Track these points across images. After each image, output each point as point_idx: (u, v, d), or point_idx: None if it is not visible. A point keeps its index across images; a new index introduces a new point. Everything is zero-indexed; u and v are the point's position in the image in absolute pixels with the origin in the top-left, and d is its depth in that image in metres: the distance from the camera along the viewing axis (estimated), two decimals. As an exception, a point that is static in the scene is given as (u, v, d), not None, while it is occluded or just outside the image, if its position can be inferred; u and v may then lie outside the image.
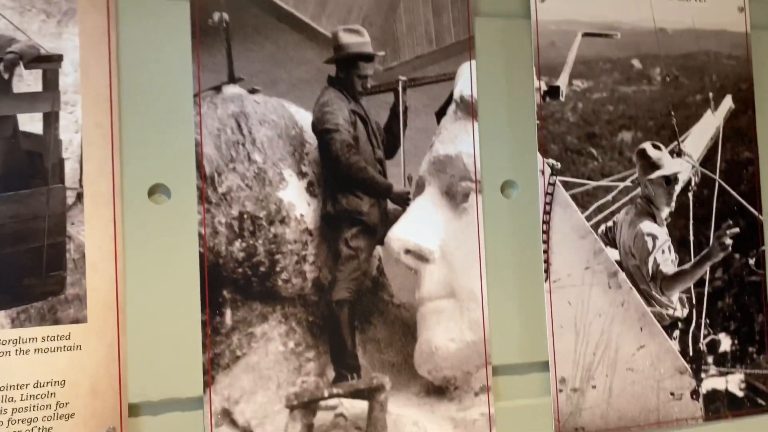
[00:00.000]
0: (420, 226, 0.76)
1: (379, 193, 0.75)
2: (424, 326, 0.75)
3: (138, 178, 0.68)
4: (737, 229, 0.86)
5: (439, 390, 0.75)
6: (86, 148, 0.66)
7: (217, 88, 0.70)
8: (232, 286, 0.70)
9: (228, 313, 0.69)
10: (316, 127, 0.73)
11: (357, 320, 0.73)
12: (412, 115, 0.76)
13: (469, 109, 0.78)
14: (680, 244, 0.85)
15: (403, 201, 0.75)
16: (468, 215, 0.78)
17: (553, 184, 0.81)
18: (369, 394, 0.73)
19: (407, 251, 0.75)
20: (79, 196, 0.66)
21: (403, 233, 0.75)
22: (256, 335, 0.70)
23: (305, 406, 0.70)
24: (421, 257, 0.76)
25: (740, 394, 0.86)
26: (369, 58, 0.75)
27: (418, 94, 0.77)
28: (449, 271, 0.77)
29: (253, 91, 0.71)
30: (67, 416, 0.64)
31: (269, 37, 0.72)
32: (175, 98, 0.70)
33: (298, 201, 0.72)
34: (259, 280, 0.70)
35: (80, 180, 0.66)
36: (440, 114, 0.78)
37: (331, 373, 0.72)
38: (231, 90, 0.71)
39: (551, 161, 0.81)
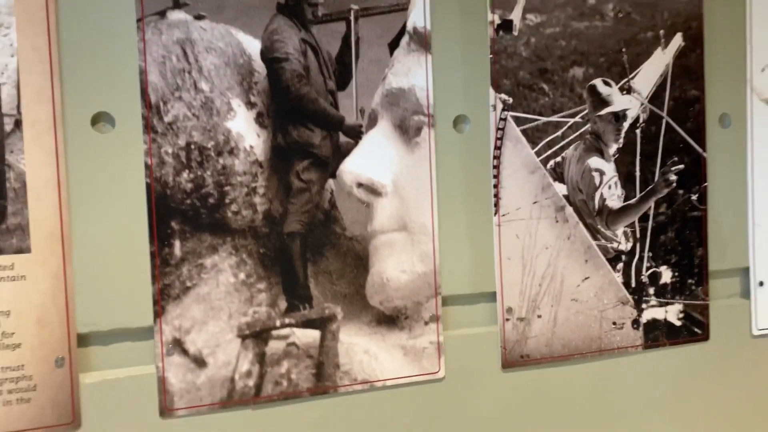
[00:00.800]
0: (372, 159, 0.76)
1: (331, 125, 0.74)
2: (376, 258, 0.77)
3: (80, 106, 0.66)
4: (682, 166, 0.89)
5: (390, 320, 0.77)
6: (23, 74, 0.64)
7: (162, 13, 0.68)
8: (181, 217, 0.69)
9: (177, 244, 0.69)
10: (265, 55, 0.71)
11: (309, 252, 0.74)
12: (365, 46, 0.75)
13: (422, 41, 0.77)
14: (627, 180, 0.87)
15: (356, 134, 0.75)
16: (420, 149, 0.78)
17: (505, 120, 0.81)
18: (321, 323, 0.74)
19: (359, 185, 0.75)
20: (18, 123, 0.63)
21: (355, 166, 0.75)
22: (206, 266, 0.70)
23: (257, 335, 0.71)
24: (374, 191, 0.76)
25: (678, 323, 0.90)
26: (319, -16, 0.73)
27: (370, 25, 0.75)
28: (401, 204, 0.77)
29: (199, 17, 0.69)
30: (13, 346, 0.63)
31: (215, -39, 0.69)
32: (118, 23, 0.67)
33: (247, 132, 0.71)
34: (208, 211, 0.70)
35: (18, 106, 0.63)
36: (393, 45, 0.77)
37: (283, 304, 0.73)
38: (176, 15, 0.68)
39: (503, 96, 0.81)
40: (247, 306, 0.71)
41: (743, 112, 0.93)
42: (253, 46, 0.71)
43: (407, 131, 0.77)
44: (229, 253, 0.71)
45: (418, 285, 0.78)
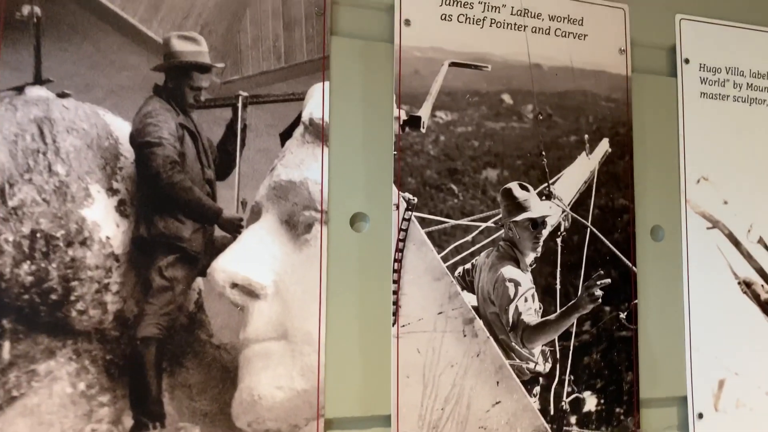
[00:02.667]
0: (252, 257, 0.68)
1: (206, 217, 0.67)
2: (248, 371, 0.67)
3: None
4: (608, 280, 0.81)
5: (259, 444, 0.67)
6: None
7: (20, 89, 0.62)
8: (15, 314, 0.60)
9: (6, 345, 0.60)
10: (135, 139, 0.65)
11: (166, 361, 0.64)
12: (252, 135, 0.69)
13: (319, 133, 0.72)
14: (545, 293, 0.79)
15: (234, 228, 0.68)
16: (310, 248, 0.71)
17: (408, 220, 0.74)
18: (173, 446, 0.64)
19: (234, 285, 0.67)
20: None
21: (230, 264, 0.67)
22: (39, 373, 0.60)
23: (91, 458, 0.61)
24: (251, 292, 0.68)
25: (604, 458, 0.80)
26: (205, 68, 0.68)
27: (261, 113, 0.70)
28: (283, 309, 0.69)
29: (62, 95, 0.63)
30: None
31: (88, 38, 0.64)
32: (-29, 96, 0.61)
33: (104, 221, 0.63)
34: (48, 309, 0.61)
35: None
36: (285, 136, 0.71)
37: (128, 421, 0.62)
38: (36, 92, 0.63)
39: (407, 195, 0.74)
40: (84, 422, 0.61)
41: (677, 224, 0.87)
42: (122, 128, 0.65)
43: (295, 227, 0.70)
44: (68, 359, 0.61)
45: (297, 404, 0.68)
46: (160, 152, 0.65)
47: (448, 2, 0.78)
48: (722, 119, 0.90)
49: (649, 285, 0.84)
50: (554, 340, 0.79)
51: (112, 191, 0.64)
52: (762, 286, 0.90)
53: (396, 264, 0.73)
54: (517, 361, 0.77)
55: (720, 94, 0.91)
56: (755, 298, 0.89)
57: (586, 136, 0.83)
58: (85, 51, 0.64)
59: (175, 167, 0.66)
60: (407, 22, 0.76)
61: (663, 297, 0.85)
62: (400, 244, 0.74)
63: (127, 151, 0.65)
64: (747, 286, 0.89)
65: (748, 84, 0.92)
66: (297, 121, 0.71)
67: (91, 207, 0.63)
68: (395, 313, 0.73)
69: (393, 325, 0.72)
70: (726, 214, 0.89)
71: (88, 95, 0.64)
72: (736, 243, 0.89)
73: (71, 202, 0.62)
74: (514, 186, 0.79)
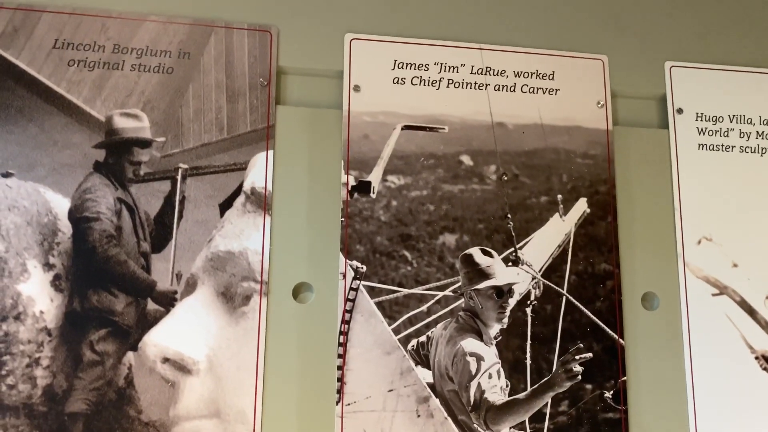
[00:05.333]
0: (185, 330, 0.67)
1: (139, 290, 0.67)
2: (177, 450, 0.65)
3: None
4: (589, 354, 0.73)
5: None
6: None
7: (-33, 170, 0.66)
8: (-53, 388, 0.62)
9: (-64, 419, 0.61)
10: (73, 214, 0.67)
11: (92, 438, 0.63)
12: (191, 206, 0.70)
13: (260, 202, 0.71)
14: (513, 369, 0.72)
15: (168, 301, 0.67)
16: (248, 320, 0.68)
17: (356, 290, 0.71)
18: None
19: (165, 360, 0.66)
20: None
21: (162, 338, 0.66)
22: (-35, 448, 0.61)
23: None
24: (182, 368, 0.66)
25: None
26: (145, 143, 0.69)
27: (200, 184, 0.70)
28: (216, 385, 0.67)
29: (6, 175, 0.66)
30: None
31: (34, 119, 0.68)
32: (-73, 179, 0.65)
33: (39, 296, 0.65)
34: (-22, 383, 0.62)
35: None
36: (225, 206, 0.70)
37: (50, 500, 0.62)
38: (-18, 172, 0.66)
39: (355, 264, 0.71)
40: (6, 500, 0.61)
41: (674, 291, 0.77)
42: (61, 205, 0.67)
43: (233, 299, 0.69)
44: (-5, 434, 0.62)
45: (228, 487, 0.65)
46: (97, 227, 0.67)
47: (401, 66, 0.76)
48: (726, 172, 0.81)
49: (642, 359, 0.75)
50: (525, 422, 0.71)
51: (48, 266, 0.65)
52: (788, 361, 0.78)
53: (342, 337, 0.70)
54: (480, 445, 0.70)
55: (723, 145, 0.82)
56: (779, 375, 0.77)
57: (559, 196, 0.77)
58: (30, 132, 0.67)
59: (111, 241, 0.66)
60: (357, 88, 0.75)
61: (659, 373, 0.75)
62: (347, 316, 0.70)
63: (65, 227, 0.66)
64: (767, 361, 0.77)
65: (758, 132, 0.83)
66: (238, 190, 0.71)
67: (27, 282, 0.65)
68: (340, 390, 0.68)
69: (337, 404, 0.68)
70: (736, 278, 0.79)
71: (30, 174, 0.67)
72: (751, 311, 0.78)
73: (8, 277, 0.64)
74: (475, 251, 0.74)
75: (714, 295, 0.78)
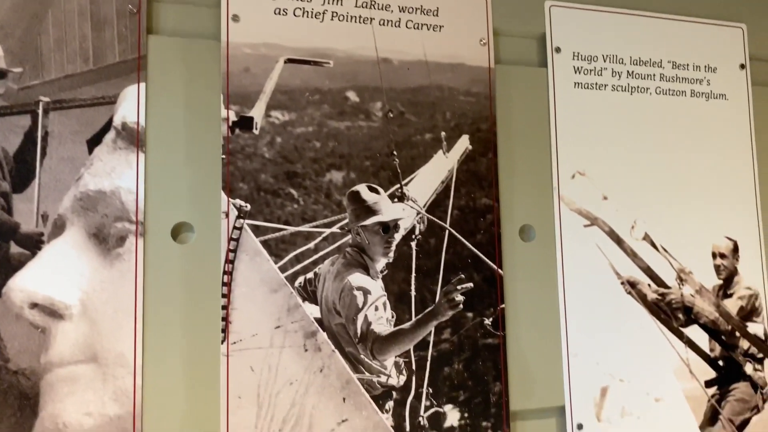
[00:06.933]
0: (54, 274, 0.63)
1: (0, 233, 0.62)
2: (51, 398, 0.62)
3: None
4: (470, 285, 0.76)
5: (63, 477, 0.62)
6: None
7: None
8: None
9: None
10: None
11: (-49, 390, 0.59)
12: (55, 142, 0.65)
13: (132, 138, 0.67)
14: (399, 301, 0.74)
15: (33, 244, 0.63)
16: (123, 263, 0.66)
17: (240, 229, 0.69)
18: (-40, 484, 0.58)
19: (33, 305, 0.62)
20: None
21: (29, 283, 0.62)
22: None
23: None
24: (53, 313, 0.63)
25: (469, 476, 0.74)
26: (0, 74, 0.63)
27: (65, 119, 0.65)
28: (91, 329, 0.64)
29: None
30: None
31: None
32: None
33: None
34: None
35: None
36: (94, 142, 0.66)
37: None
38: None
39: (239, 202, 0.70)
40: None
41: (550, 223, 0.82)
42: None
43: (106, 240, 0.65)
44: None
45: (110, 431, 0.63)
46: (-54, 165, 0.61)
47: (282, -4, 0.74)
48: (599, 110, 0.86)
49: (519, 288, 0.79)
50: (409, 350, 0.74)
51: None
52: (649, 285, 0.85)
53: (226, 276, 0.68)
54: (367, 374, 0.72)
55: (597, 84, 0.86)
56: (641, 298, 0.84)
57: (443, 133, 0.78)
58: None
59: (-38, 180, 0.61)
60: (235, 18, 0.71)
61: (535, 300, 0.80)
62: (231, 255, 0.69)
63: None
64: (631, 286, 0.84)
65: (629, 72, 0.88)
66: (108, 126, 0.66)
67: None
68: (225, 330, 0.68)
69: (222, 343, 0.67)
70: (606, 210, 0.84)
71: None
72: (618, 241, 0.84)
73: None
74: (362, 188, 0.74)
75: (586, 226, 0.83)
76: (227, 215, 0.69)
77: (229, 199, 0.69)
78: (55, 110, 0.65)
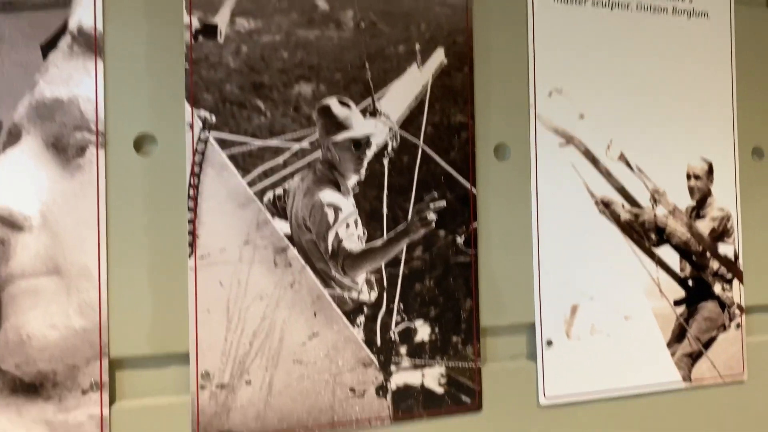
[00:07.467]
0: (11, 185, 0.61)
1: (-49, 141, 0.59)
2: (13, 310, 0.61)
3: None
4: (443, 203, 0.76)
5: (30, 388, 0.61)
6: None
7: None
8: None
9: None
10: None
11: None
12: (6, 47, 0.61)
13: (90, 43, 0.64)
14: (371, 218, 0.73)
15: (-12, 153, 0.61)
16: (84, 174, 0.64)
17: (205, 142, 0.67)
18: (-77, 393, 0.58)
19: (-9, 216, 0.61)
20: None
21: (-16, 193, 0.60)
22: None
23: None
24: (12, 224, 0.61)
25: (439, 390, 0.75)
26: (-61, -30, 0.59)
27: (15, 21, 0.62)
28: (53, 242, 0.62)
29: None
30: None
31: None
32: None
33: None
34: None
35: None
36: (48, 47, 0.63)
37: None
38: None
39: (203, 113, 0.67)
40: None
41: (525, 142, 0.80)
42: None
43: (65, 150, 0.63)
44: None
45: (75, 344, 0.62)
46: None
47: None
48: (579, 26, 0.83)
49: (492, 207, 0.78)
50: (381, 267, 0.73)
51: None
52: (623, 205, 0.84)
53: (192, 190, 0.67)
54: (338, 290, 0.71)
55: (577, -1, 0.83)
56: (614, 218, 0.84)
57: (417, 45, 0.75)
58: None
59: None
60: None
61: (507, 219, 0.79)
62: (197, 168, 0.67)
63: None
64: (605, 206, 0.84)
65: (610, -12, 0.85)
66: (62, 30, 0.63)
67: None
68: (192, 244, 0.66)
69: (190, 257, 0.66)
70: (582, 129, 0.83)
71: None
72: (594, 160, 0.84)
73: None
74: (332, 102, 0.72)
75: (561, 145, 0.82)
76: (192, 127, 0.67)
77: (194, 110, 0.67)
78: (3, 12, 0.61)
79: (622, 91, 0.85)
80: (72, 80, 0.63)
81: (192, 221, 0.66)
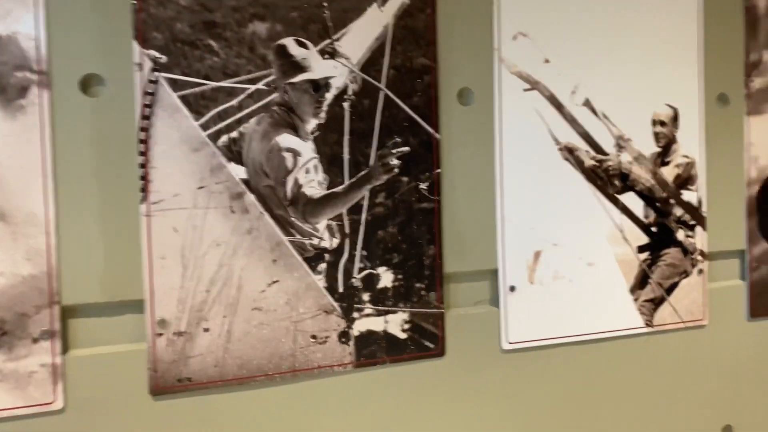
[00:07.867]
0: (-52, 126, 0.58)
1: None
2: (-44, 256, 0.59)
3: None
4: (406, 149, 0.74)
5: (-23, 336, 0.59)
6: None
7: None
8: None
9: None
10: None
11: None
12: (-64, -21, 0.58)
13: (28, -23, 0.60)
14: (331, 164, 0.71)
15: None
16: (27, 116, 0.61)
17: (155, 82, 0.65)
18: None
19: (-73, 159, 0.58)
20: None
21: None
22: None
23: None
24: (-49, 167, 0.59)
25: (403, 336, 0.75)
26: None
27: (-55, -49, 0.58)
28: (-4, 186, 0.60)
29: None
30: None
31: None
32: None
33: None
34: None
35: None
36: (-17, -19, 0.59)
37: None
38: None
39: (153, 53, 0.64)
40: None
41: (489, 86, 0.79)
42: None
43: (5, 91, 0.60)
44: None
45: (23, 291, 0.61)
46: None
47: None
48: (545, -33, 0.81)
49: (455, 153, 0.77)
50: (342, 214, 0.72)
51: None
52: (587, 152, 0.84)
53: (143, 133, 0.64)
54: (298, 237, 0.70)
55: (544, -61, 0.81)
56: (578, 164, 0.83)
57: (378, -16, 0.73)
58: None
59: None
60: None
61: (471, 166, 0.78)
62: (147, 111, 0.64)
63: None
64: (569, 152, 0.83)
65: (578, -72, 0.83)
66: (-3, -38, 0.59)
67: None
68: (144, 189, 0.64)
69: (142, 203, 0.64)
70: (547, 74, 0.82)
71: None
72: (558, 106, 0.82)
73: None
74: (289, 42, 0.69)
75: (526, 90, 0.81)
76: (141, 67, 0.64)
77: (142, 49, 0.64)
78: (-68, -60, 0.57)
79: (588, 36, 0.83)
80: (11, 16, 0.60)
81: (144, 165, 0.64)
